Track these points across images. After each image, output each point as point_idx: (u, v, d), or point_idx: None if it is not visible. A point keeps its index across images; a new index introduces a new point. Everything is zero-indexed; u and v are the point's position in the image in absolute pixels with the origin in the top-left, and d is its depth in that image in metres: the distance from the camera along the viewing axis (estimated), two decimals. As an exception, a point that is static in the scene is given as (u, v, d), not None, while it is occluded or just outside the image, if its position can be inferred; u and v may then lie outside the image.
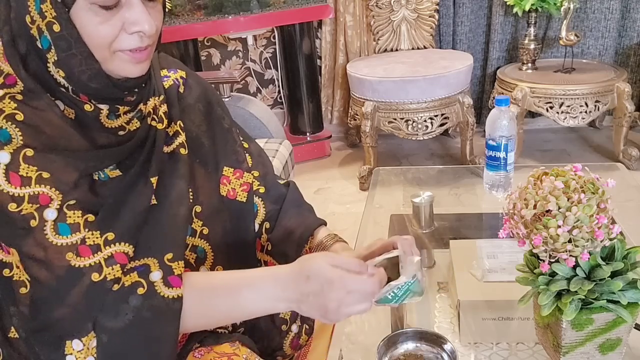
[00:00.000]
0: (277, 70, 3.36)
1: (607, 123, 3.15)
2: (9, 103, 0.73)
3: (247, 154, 1.03)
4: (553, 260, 0.78)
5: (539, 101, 2.61)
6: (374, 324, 1.04)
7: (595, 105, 2.58)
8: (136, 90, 0.81)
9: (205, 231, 0.93)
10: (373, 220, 1.39)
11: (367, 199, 1.49)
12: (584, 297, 0.78)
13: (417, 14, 2.98)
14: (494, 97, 2.81)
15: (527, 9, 2.70)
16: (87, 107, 0.77)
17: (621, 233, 0.80)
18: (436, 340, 0.91)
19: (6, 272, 0.77)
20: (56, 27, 0.72)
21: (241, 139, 1.04)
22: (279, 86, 3.38)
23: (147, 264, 0.79)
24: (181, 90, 0.95)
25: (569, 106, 2.57)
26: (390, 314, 1.03)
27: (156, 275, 0.78)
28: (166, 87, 0.93)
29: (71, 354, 0.75)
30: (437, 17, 3.00)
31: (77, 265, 0.74)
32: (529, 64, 2.82)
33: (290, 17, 2.88)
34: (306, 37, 3.04)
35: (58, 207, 0.74)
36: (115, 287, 0.76)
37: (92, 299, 0.74)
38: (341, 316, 0.77)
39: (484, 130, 1.43)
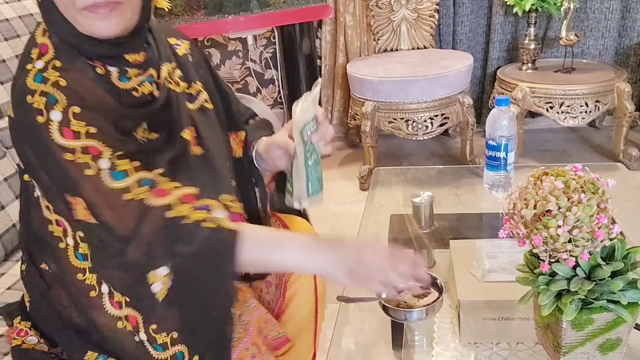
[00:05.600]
0: (277, 70, 3.35)
1: (607, 123, 3.15)
2: (53, 72, 0.81)
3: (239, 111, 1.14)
4: (553, 260, 0.78)
5: (539, 101, 2.61)
6: (374, 324, 1.04)
7: (595, 105, 2.57)
8: (131, 47, 0.86)
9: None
10: (373, 220, 1.39)
11: (367, 199, 1.49)
12: (584, 297, 0.78)
13: (417, 14, 2.98)
14: (494, 97, 2.81)
15: (527, 9, 2.70)
16: (99, 70, 0.84)
17: (621, 233, 0.80)
18: None
19: (53, 228, 0.86)
20: None
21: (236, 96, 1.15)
22: (279, 86, 3.38)
23: (211, 204, 0.85)
24: (190, 56, 1.04)
25: (569, 106, 2.57)
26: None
27: (220, 213, 0.84)
28: (180, 54, 1.01)
29: (157, 281, 0.81)
30: (437, 17, 3.00)
31: (148, 205, 0.80)
32: (529, 64, 2.81)
33: (290, 17, 2.88)
34: (306, 37, 3.04)
35: (110, 157, 0.80)
36: (186, 220, 0.81)
37: (165, 233, 0.80)
38: (370, 274, 0.82)
39: (484, 130, 1.43)
